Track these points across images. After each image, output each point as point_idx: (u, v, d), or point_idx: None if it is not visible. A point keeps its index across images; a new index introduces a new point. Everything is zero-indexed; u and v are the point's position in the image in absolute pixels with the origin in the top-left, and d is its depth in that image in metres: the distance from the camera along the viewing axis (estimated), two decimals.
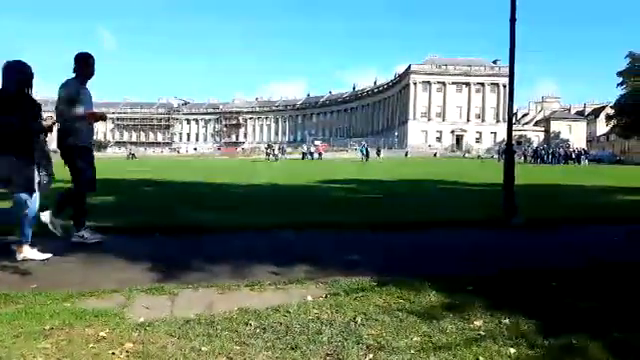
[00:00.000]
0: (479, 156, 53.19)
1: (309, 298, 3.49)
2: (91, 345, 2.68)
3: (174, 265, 4.41)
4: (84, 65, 5.38)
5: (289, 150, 75.61)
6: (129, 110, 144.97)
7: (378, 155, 51.55)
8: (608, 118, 79.10)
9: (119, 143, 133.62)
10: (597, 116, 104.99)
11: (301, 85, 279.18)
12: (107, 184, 14.81)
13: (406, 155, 69.14)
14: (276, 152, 57.44)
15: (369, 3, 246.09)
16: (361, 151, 51.21)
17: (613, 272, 4.18)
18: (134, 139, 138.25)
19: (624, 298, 3.53)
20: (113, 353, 2.60)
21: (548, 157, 53.72)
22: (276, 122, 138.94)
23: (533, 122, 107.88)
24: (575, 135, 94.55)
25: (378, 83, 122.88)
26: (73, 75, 5.35)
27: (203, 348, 2.66)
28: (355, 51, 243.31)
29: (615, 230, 6.56)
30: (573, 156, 54.99)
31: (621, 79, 74.01)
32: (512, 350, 2.64)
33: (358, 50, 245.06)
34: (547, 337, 2.79)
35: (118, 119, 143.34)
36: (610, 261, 4.63)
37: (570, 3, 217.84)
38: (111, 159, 55.71)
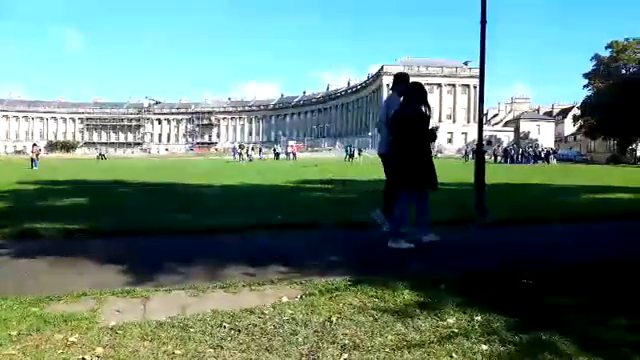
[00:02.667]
0: (465, 155, 54.79)
1: (284, 299, 3.48)
2: (60, 351, 2.62)
3: (146, 268, 4.34)
4: None
5: (264, 150, 75.32)
6: (98, 110, 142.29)
7: (359, 155, 53.42)
8: (575, 119, 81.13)
9: (88, 144, 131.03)
10: (565, 116, 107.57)
11: (275, 85, 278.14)
12: (78, 185, 14.56)
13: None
14: (249, 152, 57.01)
15: (341, 3, 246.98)
16: (346, 151, 52.71)
17: (582, 270, 4.28)
18: (104, 140, 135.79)
19: (592, 295, 3.62)
20: (83, 358, 2.54)
21: (518, 157, 54.83)
22: (250, 122, 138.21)
23: (503, 122, 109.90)
24: (544, 135, 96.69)
25: (352, 84, 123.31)
26: None
27: (176, 351, 2.62)
28: (329, 52, 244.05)
29: (585, 228, 6.75)
30: (542, 155, 56.22)
31: (587, 81, 76.08)
32: (484, 347, 2.69)
33: (332, 51, 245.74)
34: (518, 333, 2.85)
35: (87, 119, 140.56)
36: (579, 259, 4.74)
37: (540, 6, 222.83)
38: (80, 160, 54.58)
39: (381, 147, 6.11)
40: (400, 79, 6.07)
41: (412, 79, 6.01)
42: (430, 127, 5.52)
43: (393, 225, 5.46)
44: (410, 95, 5.45)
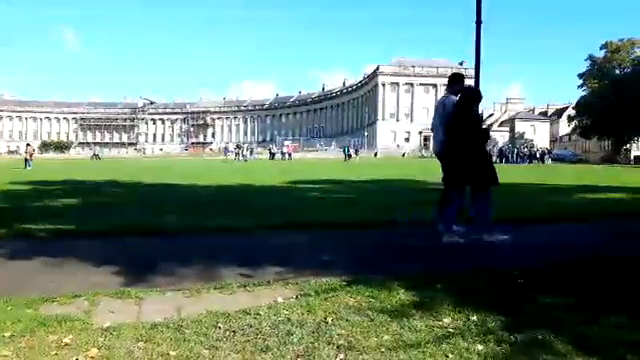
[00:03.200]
0: None
1: (279, 299, 3.46)
2: (54, 352, 2.60)
3: (141, 268, 4.32)
4: None
5: (259, 150, 75.32)
6: (93, 110, 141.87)
7: (356, 155, 54.27)
8: (570, 119, 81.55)
9: (83, 144, 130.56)
10: (559, 117, 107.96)
11: (270, 85, 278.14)
12: (71, 186, 14.49)
13: (375, 155, 69.73)
14: (245, 153, 57.10)
15: (337, 3, 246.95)
16: (344, 151, 53.20)
17: (575, 269, 4.29)
18: (98, 139, 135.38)
19: (586, 293, 3.62)
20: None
21: (513, 157, 55.03)
22: (245, 122, 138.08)
23: (498, 122, 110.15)
24: (539, 135, 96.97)
25: (347, 84, 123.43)
26: None
27: (171, 352, 2.61)
28: (324, 52, 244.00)
29: (578, 227, 6.77)
30: (537, 155, 56.46)
31: (581, 81, 76.46)
32: (480, 347, 2.69)
33: (327, 51, 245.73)
34: (514, 333, 2.85)
35: (82, 119, 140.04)
36: (572, 257, 4.75)
37: (536, 6, 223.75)
38: (74, 160, 54.38)
39: (437, 147, 6.17)
40: (455, 80, 6.12)
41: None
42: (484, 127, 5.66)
43: (446, 221, 5.62)
44: (465, 97, 5.57)
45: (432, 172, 24.62)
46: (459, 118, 5.49)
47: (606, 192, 12.80)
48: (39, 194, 11.59)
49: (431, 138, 6.29)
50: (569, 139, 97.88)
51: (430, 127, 6.69)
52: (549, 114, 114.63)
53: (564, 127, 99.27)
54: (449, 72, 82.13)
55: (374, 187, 15.04)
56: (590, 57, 75.71)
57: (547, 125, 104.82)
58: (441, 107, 6.10)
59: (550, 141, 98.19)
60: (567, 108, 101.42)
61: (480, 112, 5.58)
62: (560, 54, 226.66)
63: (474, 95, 5.60)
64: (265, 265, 4.44)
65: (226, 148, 68.94)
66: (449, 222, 5.65)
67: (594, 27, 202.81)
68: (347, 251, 5.23)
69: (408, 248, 5.39)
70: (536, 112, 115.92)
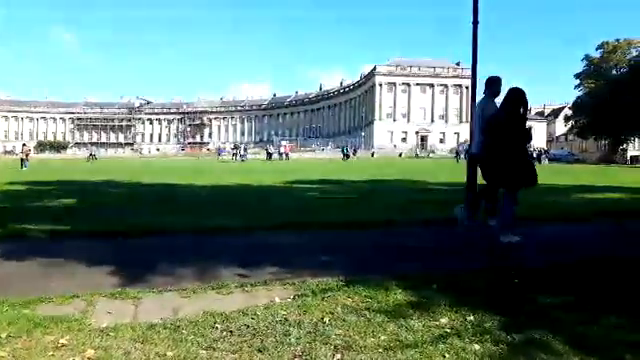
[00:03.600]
0: (457, 155, 55.31)
1: (277, 300, 3.46)
2: (51, 353, 2.60)
3: (138, 269, 4.31)
4: None
5: (256, 150, 75.29)
6: (89, 110, 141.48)
7: (355, 155, 54.55)
8: (566, 119, 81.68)
9: (79, 144, 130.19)
10: (556, 117, 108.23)
11: (267, 85, 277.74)
12: (68, 186, 14.44)
13: (372, 155, 69.76)
14: (242, 152, 57.10)
15: (334, 3, 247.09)
16: (342, 151, 53.44)
17: (572, 268, 4.30)
18: (95, 140, 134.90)
19: (583, 293, 3.63)
20: None
21: None
22: (242, 122, 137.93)
23: None
24: (536, 135, 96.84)
25: (344, 84, 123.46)
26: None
27: (168, 353, 2.61)
28: (321, 52, 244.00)
29: (575, 227, 6.78)
30: (534, 155, 56.52)
31: (578, 81, 76.67)
32: (477, 346, 2.69)
33: (324, 50, 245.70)
34: (510, 333, 2.85)
35: (78, 119, 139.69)
36: (569, 257, 4.76)
37: (530, 8, 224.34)
38: (70, 160, 54.23)
39: (474, 148, 6.28)
40: (493, 82, 6.22)
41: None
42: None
43: (501, 221, 5.74)
44: (511, 97, 5.66)
45: (430, 172, 24.72)
46: (504, 118, 5.60)
47: (604, 192, 12.83)
48: (36, 194, 11.56)
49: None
50: (566, 139, 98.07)
51: (470, 130, 6.92)
52: (546, 114, 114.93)
53: (561, 127, 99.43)
54: (446, 72, 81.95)
55: (376, 187, 15.03)
56: (587, 57, 76.01)
57: (544, 125, 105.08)
58: (480, 109, 6.21)
59: (547, 141, 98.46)
60: (564, 108, 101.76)
61: (526, 113, 5.71)
62: (556, 54, 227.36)
63: (520, 96, 5.68)
64: (262, 265, 4.44)
65: (219, 148, 68.86)
66: (504, 221, 5.72)
67: (591, 27, 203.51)
68: (345, 251, 5.23)
69: (407, 248, 5.40)
70: (533, 112, 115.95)
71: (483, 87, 6.30)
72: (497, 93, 6.15)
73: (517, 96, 5.65)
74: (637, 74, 57.33)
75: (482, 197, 6.41)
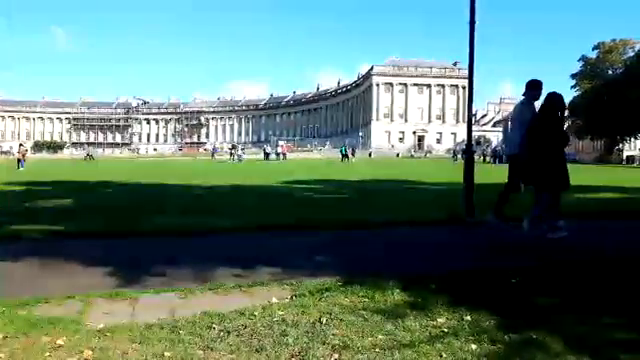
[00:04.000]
0: (454, 155, 55.62)
1: (274, 300, 3.46)
2: (48, 354, 2.59)
3: (135, 269, 4.30)
4: None
5: (254, 150, 75.26)
6: (86, 110, 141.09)
7: (353, 155, 54.52)
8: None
9: (76, 144, 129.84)
10: None
11: (264, 85, 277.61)
12: (64, 186, 14.40)
13: (370, 155, 69.75)
14: (239, 152, 57.12)
15: (332, 3, 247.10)
16: (341, 152, 53.41)
17: (569, 268, 4.32)
18: (92, 140, 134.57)
19: (579, 293, 3.65)
20: None
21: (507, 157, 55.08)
22: (239, 122, 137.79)
23: (492, 123, 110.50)
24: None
25: (342, 84, 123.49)
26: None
27: (166, 353, 2.60)
28: (319, 52, 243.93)
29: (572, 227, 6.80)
30: None
31: (574, 81, 76.77)
32: (474, 346, 2.70)
33: (322, 51, 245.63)
34: (507, 332, 2.86)
35: (75, 119, 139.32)
36: (566, 257, 4.78)
37: (527, 7, 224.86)
38: (67, 161, 54.05)
39: (511, 148, 6.40)
40: (533, 86, 6.30)
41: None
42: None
43: (549, 219, 5.87)
44: (547, 103, 5.85)
45: (428, 172, 24.78)
46: (543, 121, 5.76)
47: (603, 192, 12.86)
48: (32, 195, 11.52)
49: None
50: None
51: (504, 130, 7.08)
52: None
53: None
54: (444, 73, 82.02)
55: (380, 187, 15.04)
56: (583, 57, 76.06)
57: None
58: (519, 112, 6.29)
59: None
60: None
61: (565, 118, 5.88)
62: (553, 54, 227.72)
63: (559, 101, 5.87)
64: (260, 265, 4.44)
65: (213, 148, 68.76)
66: (550, 218, 5.84)
67: (587, 27, 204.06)
68: (343, 251, 5.24)
69: (407, 248, 5.41)
70: None
71: (523, 89, 6.40)
72: (537, 97, 6.27)
73: (556, 101, 5.84)
74: (633, 74, 57.51)
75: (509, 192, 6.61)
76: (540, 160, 5.69)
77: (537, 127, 5.75)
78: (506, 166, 6.90)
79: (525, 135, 5.91)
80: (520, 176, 6.24)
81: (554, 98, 5.86)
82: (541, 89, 6.31)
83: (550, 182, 5.73)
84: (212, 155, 60.21)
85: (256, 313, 3.20)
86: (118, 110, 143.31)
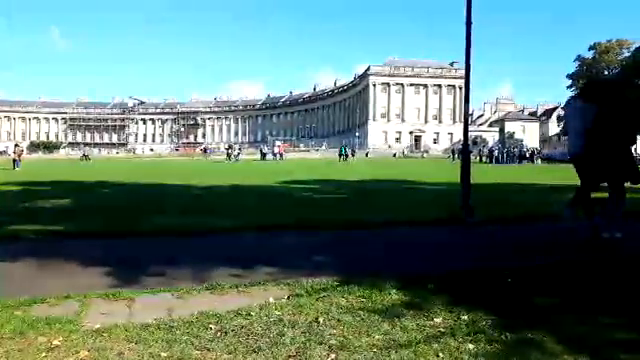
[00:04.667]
0: (452, 155, 55.78)
1: (271, 300, 3.46)
2: (44, 354, 2.58)
3: (132, 269, 4.29)
4: None
5: (251, 150, 75.20)
6: (82, 110, 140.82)
7: (353, 155, 54.50)
8: (559, 119, 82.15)
9: (72, 144, 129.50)
10: (549, 117, 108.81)
11: (261, 85, 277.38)
12: (61, 186, 14.36)
13: (367, 155, 69.84)
14: (235, 153, 57.15)
15: (328, 3, 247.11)
16: (340, 152, 53.46)
17: (566, 269, 4.32)
18: (88, 140, 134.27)
19: (577, 293, 3.65)
20: None
21: (503, 157, 55.29)
22: (236, 122, 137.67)
23: (488, 123, 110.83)
24: (528, 135, 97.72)
25: (338, 84, 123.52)
26: None
27: (162, 354, 2.60)
28: (316, 52, 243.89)
29: (566, 228, 6.80)
30: (527, 155, 56.75)
31: (570, 81, 77.05)
32: (471, 346, 2.70)
33: (319, 51, 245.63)
34: (505, 332, 2.86)
35: (71, 119, 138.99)
36: (564, 257, 4.78)
37: (524, 7, 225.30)
38: (63, 161, 53.88)
39: (575, 149, 6.36)
40: (593, 86, 6.36)
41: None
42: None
43: (607, 218, 5.93)
44: (614, 104, 5.87)
45: (427, 172, 24.80)
46: (609, 120, 5.77)
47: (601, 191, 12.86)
48: (30, 195, 11.50)
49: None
50: (559, 139, 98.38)
51: (564, 131, 7.13)
52: (539, 114, 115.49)
53: (554, 127, 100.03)
54: (440, 73, 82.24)
55: (378, 187, 15.05)
56: (579, 58, 76.41)
57: (537, 125, 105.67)
58: (580, 111, 6.29)
59: (540, 141, 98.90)
60: (557, 108, 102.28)
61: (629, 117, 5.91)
62: (549, 54, 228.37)
63: (621, 102, 5.90)
64: (257, 265, 4.43)
65: (208, 148, 68.68)
66: (610, 218, 5.88)
67: (584, 27, 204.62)
68: (343, 251, 5.24)
69: (406, 248, 5.41)
70: (526, 112, 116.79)
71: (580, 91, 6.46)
72: (596, 97, 6.25)
73: (622, 100, 5.89)
74: (628, 75, 57.72)
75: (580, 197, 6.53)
76: (613, 156, 5.74)
77: (604, 126, 5.75)
78: (505, 166, 6.92)
79: (589, 135, 5.89)
80: (587, 176, 6.22)
81: (615, 100, 5.90)
82: (600, 89, 6.34)
83: (627, 176, 5.78)
84: (204, 152, 59.88)
85: (253, 313, 3.19)
86: (114, 110, 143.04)
